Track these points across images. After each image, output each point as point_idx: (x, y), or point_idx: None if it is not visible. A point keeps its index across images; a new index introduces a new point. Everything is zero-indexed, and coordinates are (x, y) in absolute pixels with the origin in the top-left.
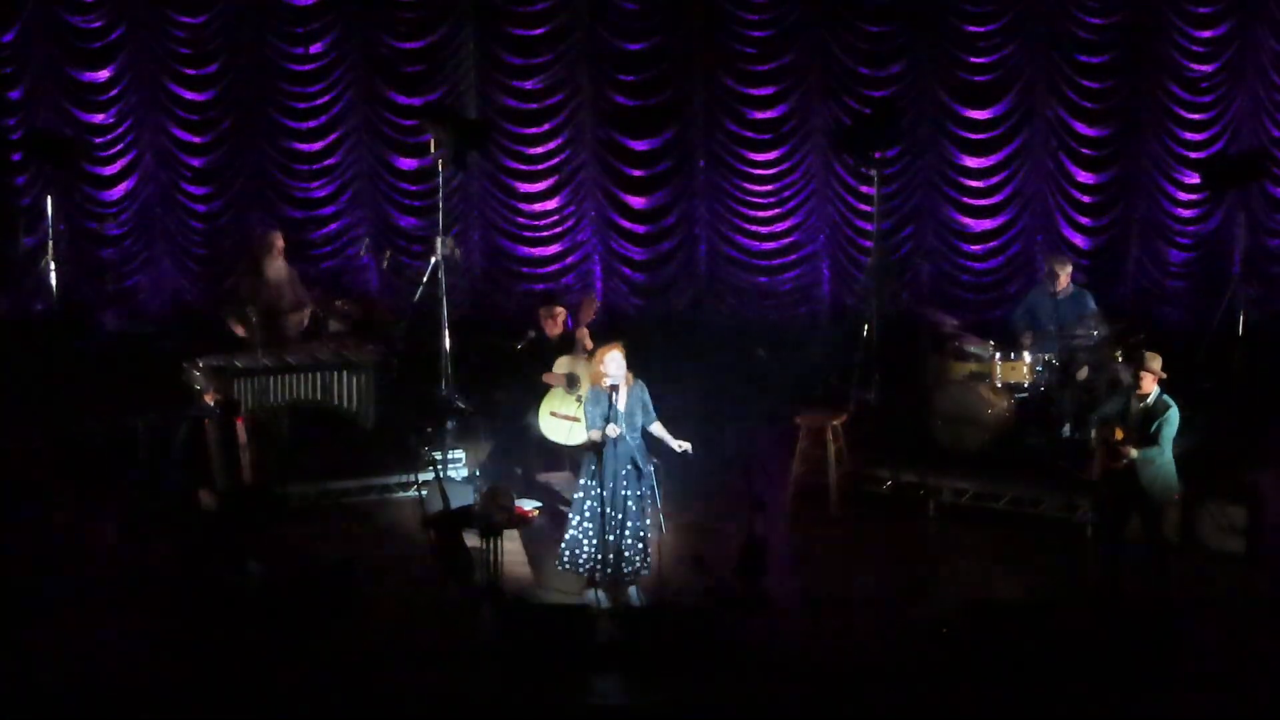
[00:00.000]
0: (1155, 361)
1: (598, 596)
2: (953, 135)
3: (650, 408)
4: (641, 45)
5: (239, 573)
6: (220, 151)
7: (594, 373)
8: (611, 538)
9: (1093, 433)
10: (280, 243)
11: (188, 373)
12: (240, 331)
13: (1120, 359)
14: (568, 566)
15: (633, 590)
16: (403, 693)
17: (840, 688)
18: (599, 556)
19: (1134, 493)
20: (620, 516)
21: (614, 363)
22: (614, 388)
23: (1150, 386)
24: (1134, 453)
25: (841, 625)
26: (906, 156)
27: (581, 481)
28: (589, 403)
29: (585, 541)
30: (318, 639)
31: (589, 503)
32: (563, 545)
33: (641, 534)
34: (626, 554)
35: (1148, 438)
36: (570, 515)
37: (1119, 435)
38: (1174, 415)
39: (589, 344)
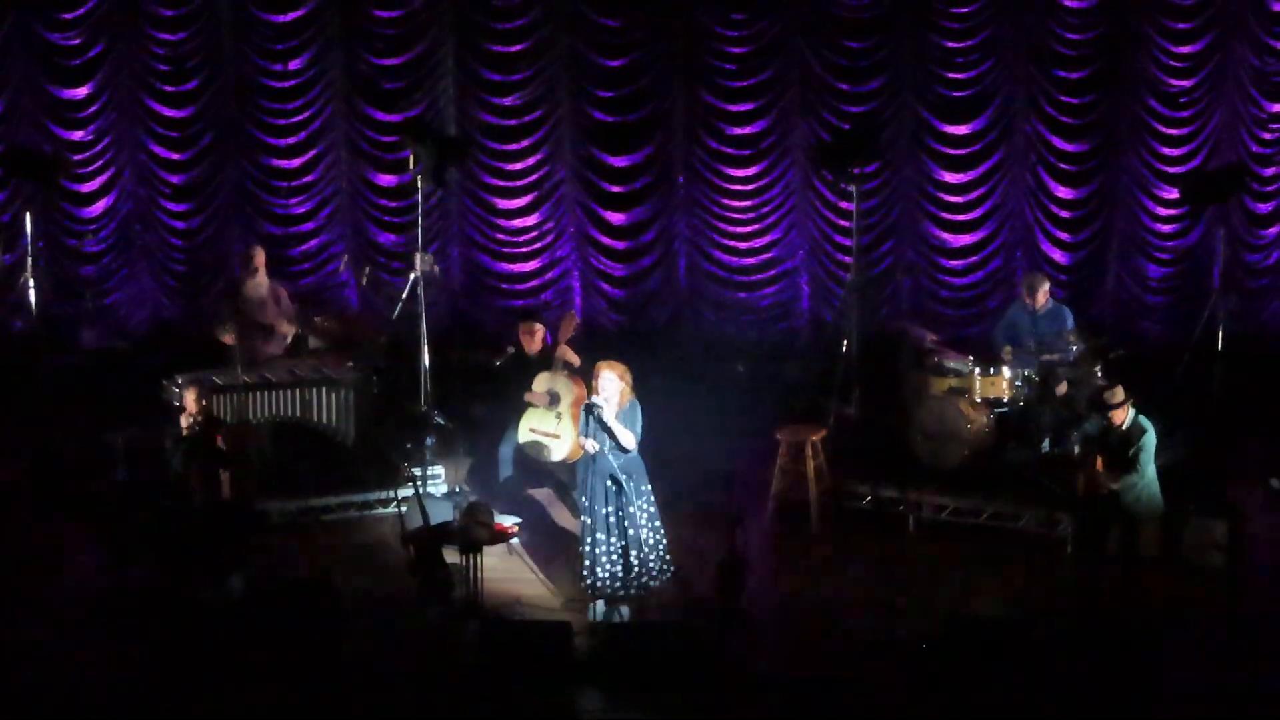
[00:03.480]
0: (1116, 396)
1: (594, 610)
2: (932, 151)
3: (633, 428)
4: (621, 61)
5: (219, 589)
6: (200, 168)
7: (581, 391)
8: (601, 550)
9: (1076, 449)
10: (260, 259)
11: (167, 389)
12: (227, 340)
13: (1100, 374)
14: (586, 585)
15: (622, 606)
16: (383, 710)
17: (819, 703)
18: (603, 568)
19: (1119, 512)
20: (601, 535)
21: (603, 380)
22: (590, 404)
23: (1122, 417)
24: (1115, 485)
25: (821, 640)
26: (885, 172)
27: (580, 501)
28: (583, 413)
29: (591, 560)
30: (297, 656)
31: (584, 518)
32: (583, 570)
33: (632, 552)
34: (620, 570)
35: (1126, 462)
36: (581, 536)
37: (1099, 466)
38: (1150, 438)
39: (572, 359)
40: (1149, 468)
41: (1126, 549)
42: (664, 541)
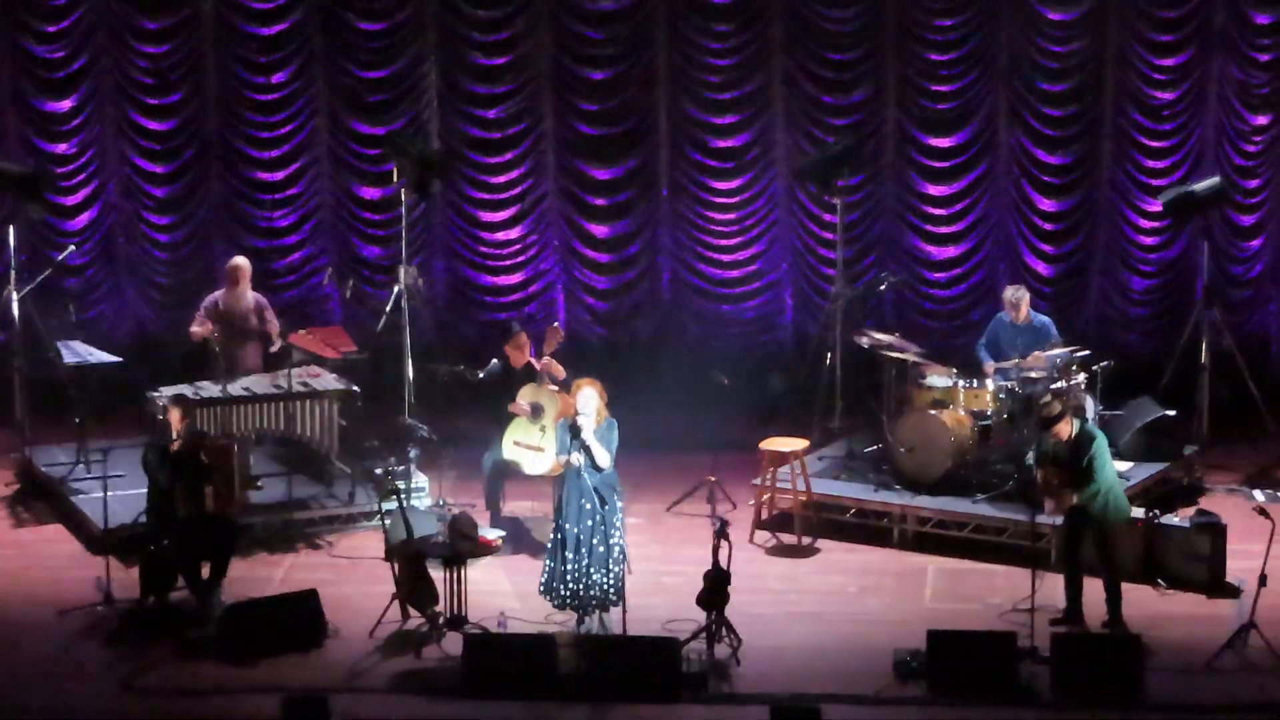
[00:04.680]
0: (1053, 410)
1: (578, 624)
2: (915, 163)
3: (609, 447)
4: (604, 74)
5: (203, 602)
6: (183, 181)
7: (565, 404)
8: (570, 567)
9: (1037, 471)
10: (246, 271)
11: (151, 402)
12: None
13: (1083, 386)
14: (558, 599)
15: (601, 618)
16: None
17: (803, 715)
18: (567, 585)
19: (1089, 522)
20: (583, 550)
21: (583, 397)
22: (571, 422)
23: (1067, 430)
24: (1076, 498)
25: (805, 654)
26: (869, 185)
27: (557, 516)
28: (560, 429)
29: (568, 573)
30: (282, 669)
31: (556, 535)
32: (543, 577)
33: (606, 566)
34: (593, 585)
35: (1082, 474)
36: (548, 547)
37: (1058, 481)
38: (1101, 444)
39: (556, 372)
40: (1104, 472)
41: (1104, 558)
42: (625, 563)
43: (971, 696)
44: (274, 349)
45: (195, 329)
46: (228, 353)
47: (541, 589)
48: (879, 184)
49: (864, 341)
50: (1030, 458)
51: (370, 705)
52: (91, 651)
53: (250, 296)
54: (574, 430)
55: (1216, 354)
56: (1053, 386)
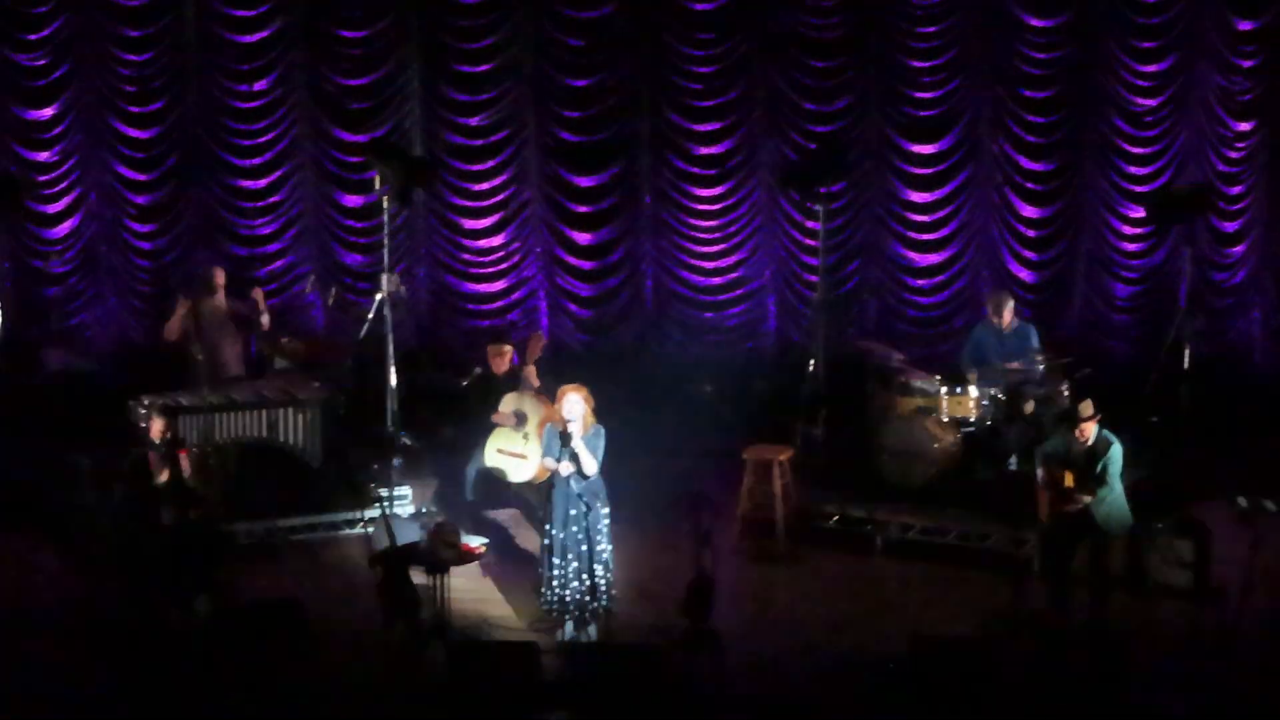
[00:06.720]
0: (1086, 410)
1: (562, 631)
2: (898, 170)
3: (596, 455)
4: (587, 81)
5: (186, 610)
6: (165, 189)
7: (548, 411)
8: (557, 573)
9: (1039, 471)
10: (220, 280)
11: (133, 410)
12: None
13: (1066, 393)
14: (548, 606)
15: (589, 627)
16: None
17: None
18: (554, 591)
19: (1088, 529)
20: (569, 557)
21: (569, 403)
22: (565, 428)
23: (1089, 432)
24: (1087, 499)
25: (788, 661)
26: (852, 191)
27: (544, 523)
28: (548, 434)
29: (558, 582)
30: (265, 677)
31: (545, 540)
32: (546, 590)
33: (593, 572)
34: (580, 592)
35: (1095, 478)
36: (541, 557)
37: (1069, 482)
38: (1117, 452)
39: (536, 381)
40: (1117, 482)
41: (1095, 566)
42: (612, 567)
43: (955, 704)
44: (264, 319)
45: (171, 326)
46: (208, 357)
47: (547, 606)
48: (862, 191)
49: (847, 349)
50: (1038, 457)
51: (353, 713)
52: (73, 661)
53: (225, 304)
54: (563, 437)
55: (1199, 361)
56: (1036, 395)
